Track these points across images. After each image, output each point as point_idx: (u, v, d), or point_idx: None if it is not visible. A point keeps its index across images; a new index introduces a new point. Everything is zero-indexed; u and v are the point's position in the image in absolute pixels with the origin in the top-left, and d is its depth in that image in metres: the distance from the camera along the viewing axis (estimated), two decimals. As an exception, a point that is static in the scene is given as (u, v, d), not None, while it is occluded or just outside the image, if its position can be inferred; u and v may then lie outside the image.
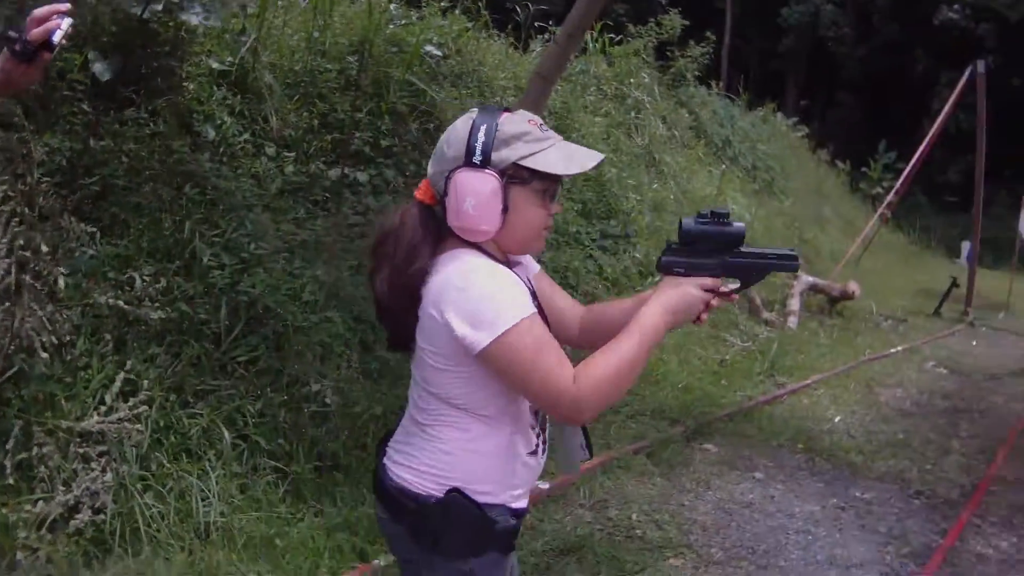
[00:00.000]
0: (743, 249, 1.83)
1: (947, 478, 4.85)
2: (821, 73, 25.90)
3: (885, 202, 11.27)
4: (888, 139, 14.01)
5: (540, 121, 1.76)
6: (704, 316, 1.81)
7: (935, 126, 9.54)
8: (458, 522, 1.73)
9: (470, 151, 1.67)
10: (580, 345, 1.96)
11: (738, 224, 1.81)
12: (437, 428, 1.76)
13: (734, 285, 1.86)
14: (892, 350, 7.87)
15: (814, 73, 26.05)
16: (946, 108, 9.60)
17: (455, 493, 1.73)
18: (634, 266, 6.41)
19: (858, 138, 18.43)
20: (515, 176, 1.69)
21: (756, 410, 5.39)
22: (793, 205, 9.80)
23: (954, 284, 10.76)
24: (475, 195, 1.67)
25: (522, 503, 1.83)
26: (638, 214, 6.61)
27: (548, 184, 1.73)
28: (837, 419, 5.59)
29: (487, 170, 1.67)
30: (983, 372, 7.72)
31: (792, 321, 7.81)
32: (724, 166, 8.70)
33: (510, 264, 1.78)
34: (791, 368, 6.51)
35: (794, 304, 8.09)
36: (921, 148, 9.54)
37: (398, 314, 1.75)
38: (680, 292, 1.77)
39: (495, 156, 1.68)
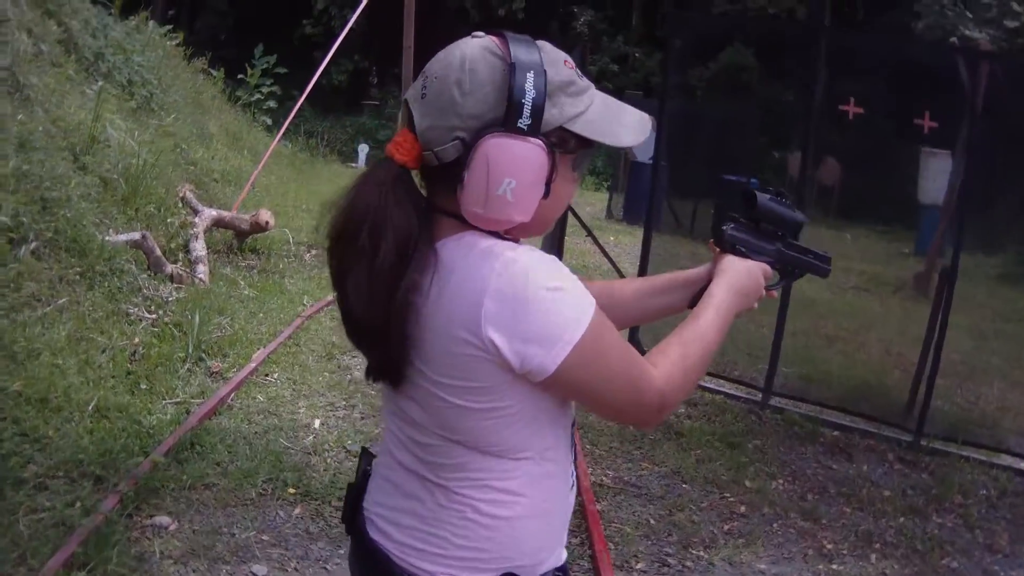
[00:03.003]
0: (793, 241, 1.64)
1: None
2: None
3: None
4: (265, 42, 13.15)
5: (571, 60, 1.30)
6: (754, 305, 1.55)
7: (341, 37, 8.90)
8: None
9: (515, 109, 1.18)
10: None
11: (799, 212, 1.63)
12: (467, 489, 1.28)
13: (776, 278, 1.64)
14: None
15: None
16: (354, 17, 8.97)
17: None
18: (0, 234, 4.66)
19: (232, 43, 17.18)
20: (559, 144, 1.25)
21: (202, 431, 4.16)
22: (176, 122, 8.44)
23: None
24: (520, 175, 1.19)
25: (564, 554, 1.43)
26: (2, 158, 4.79)
27: (589, 150, 1.31)
28: (317, 423, 4.55)
29: (536, 138, 1.20)
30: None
31: (201, 271, 6.59)
32: (99, 84, 6.96)
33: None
34: (222, 344, 5.39)
35: (200, 248, 6.86)
36: (324, 64, 8.84)
37: (382, 334, 1.24)
38: (750, 273, 1.52)
39: (545, 117, 1.21)
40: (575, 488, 1.43)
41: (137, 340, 5.09)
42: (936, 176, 14.16)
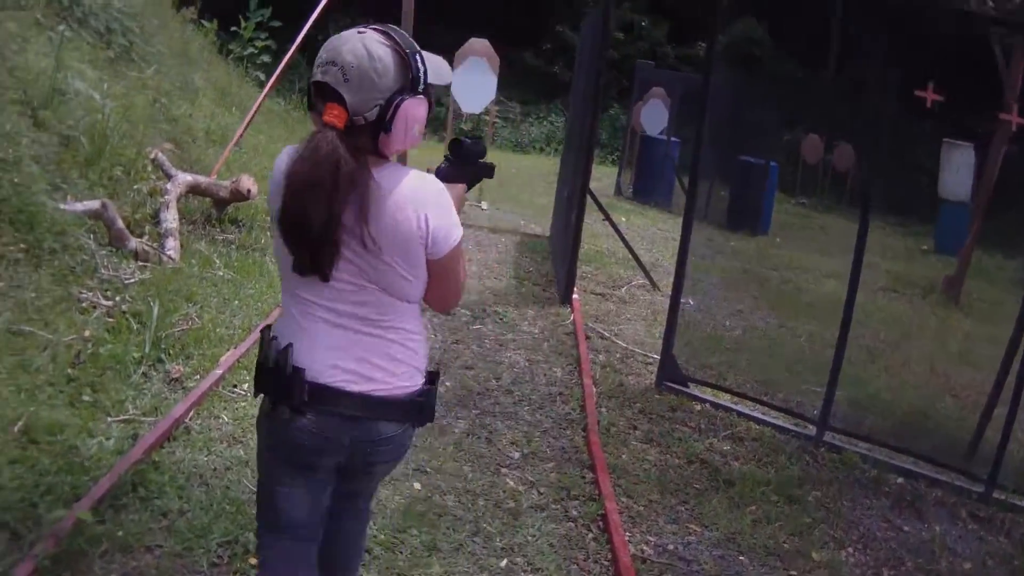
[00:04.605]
0: (478, 163, 2.36)
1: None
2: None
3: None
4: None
5: None
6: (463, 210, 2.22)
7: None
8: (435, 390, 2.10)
9: (416, 80, 1.88)
10: None
11: (482, 144, 2.37)
12: (406, 324, 2.01)
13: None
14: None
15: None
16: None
17: (430, 372, 2.10)
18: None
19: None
20: (427, 92, 1.93)
21: (148, 467, 3.43)
22: (157, 75, 7.65)
23: None
24: (420, 121, 1.90)
25: None
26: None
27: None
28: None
29: (424, 95, 1.90)
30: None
31: (171, 247, 5.83)
32: (64, 28, 6.16)
33: None
34: (186, 341, 4.68)
35: (171, 219, 6.10)
36: (314, 16, 8.03)
37: (329, 242, 1.85)
38: (459, 197, 2.19)
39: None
40: None
41: (88, 333, 4.39)
42: (959, 169, 13.55)
